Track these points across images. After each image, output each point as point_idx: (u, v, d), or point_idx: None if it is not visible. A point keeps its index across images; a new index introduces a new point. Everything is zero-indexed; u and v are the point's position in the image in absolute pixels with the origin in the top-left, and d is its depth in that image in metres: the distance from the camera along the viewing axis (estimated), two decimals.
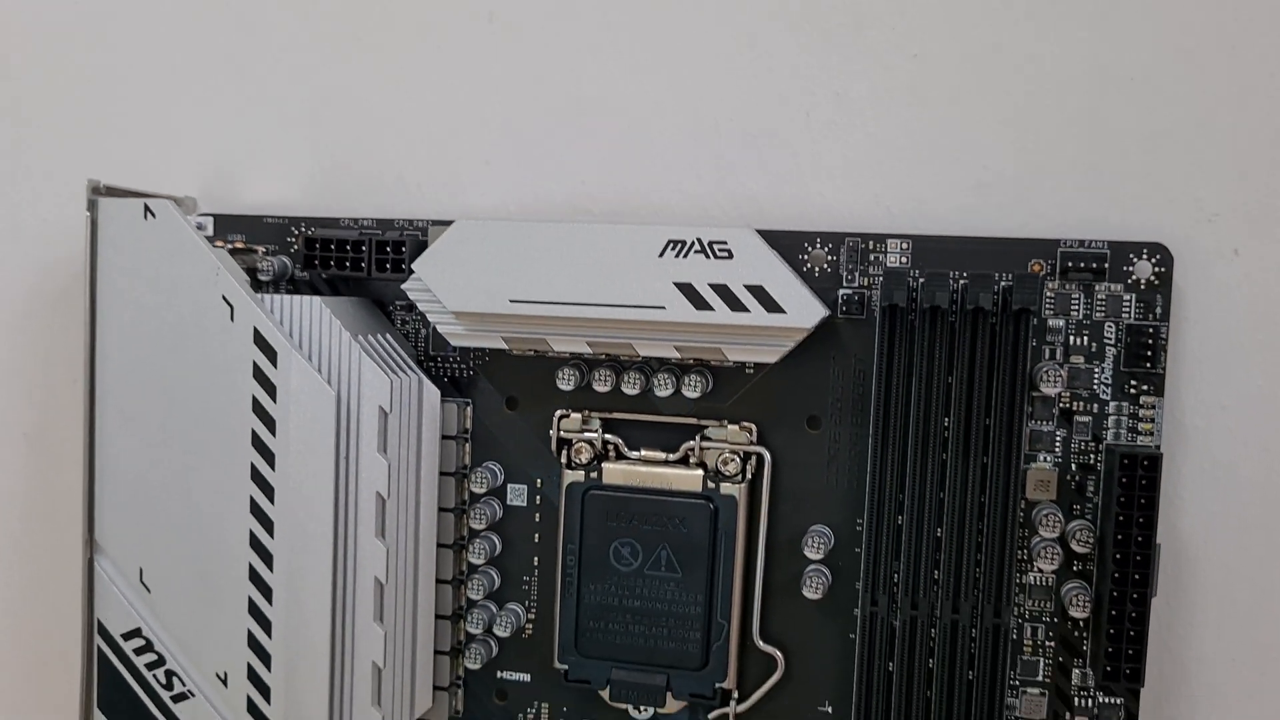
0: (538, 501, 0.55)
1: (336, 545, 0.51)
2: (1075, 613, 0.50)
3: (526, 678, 0.56)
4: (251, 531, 0.51)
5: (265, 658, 0.51)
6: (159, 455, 0.51)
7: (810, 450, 0.53)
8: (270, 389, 0.50)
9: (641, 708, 0.55)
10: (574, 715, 0.56)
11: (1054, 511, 0.50)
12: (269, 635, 0.51)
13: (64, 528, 0.62)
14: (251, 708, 0.52)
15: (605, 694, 0.55)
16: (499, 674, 0.56)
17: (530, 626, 0.56)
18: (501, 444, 0.55)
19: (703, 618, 0.53)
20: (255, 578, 0.51)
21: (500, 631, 0.55)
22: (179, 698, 0.52)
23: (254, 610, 0.51)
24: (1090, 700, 0.51)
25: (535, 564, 0.56)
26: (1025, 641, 0.52)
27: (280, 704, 0.51)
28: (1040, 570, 0.51)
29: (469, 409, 0.55)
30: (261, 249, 0.56)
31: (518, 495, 0.55)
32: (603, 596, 0.54)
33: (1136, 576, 0.49)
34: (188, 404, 0.51)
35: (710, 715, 0.54)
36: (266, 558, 0.51)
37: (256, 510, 0.51)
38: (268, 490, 0.51)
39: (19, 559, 0.64)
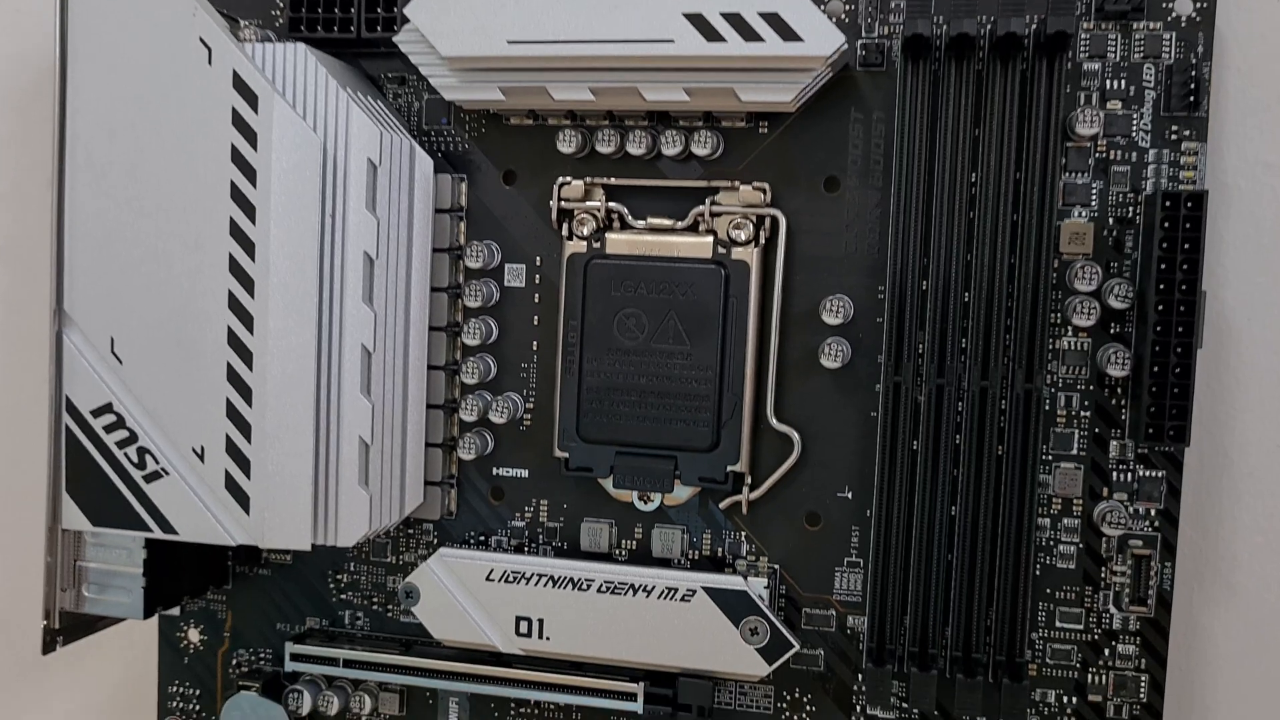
0: (537, 281, 0.52)
1: (321, 307, 0.47)
2: (1114, 371, 0.47)
3: (524, 473, 0.53)
4: (230, 291, 0.47)
5: (245, 428, 0.48)
6: (131, 215, 0.48)
7: (827, 214, 0.49)
8: (250, 136, 0.47)
9: (647, 499, 0.51)
10: (575, 512, 0.52)
11: (1090, 265, 0.47)
12: (249, 404, 0.48)
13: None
14: (230, 484, 0.48)
15: (609, 484, 0.51)
16: (495, 470, 0.53)
17: (528, 417, 0.52)
18: (498, 222, 0.52)
19: (713, 395, 0.49)
20: (234, 341, 0.47)
21: (496, 418, 0.51)
22: (152, 477, 0.49)
23: (233, 377, 0.48)
24: (1129, 474, 0.48)
25: (534, 349, 0.52)
26: (1059, 412, 0.48)
27: (261, 479, 0.48)
28: (1076, 329, 0.48)
29: (464, 185, 0.52)
30: (243, 22, 0.53)
31: (516, 275, 0.52)
32: (607, 375, 0.50)
33: (1180, 328, 0.45)
34: (162, 156, 0.47)
35: (721, 503, 0.51)
36: (246, 319, 0.47)
37: (235, 268, 0.47)
38: (248, 246, 0.47)
39: None
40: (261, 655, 0.56)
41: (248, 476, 0.48)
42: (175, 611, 0.57)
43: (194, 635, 0.57)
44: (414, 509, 0.52)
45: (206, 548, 0.54)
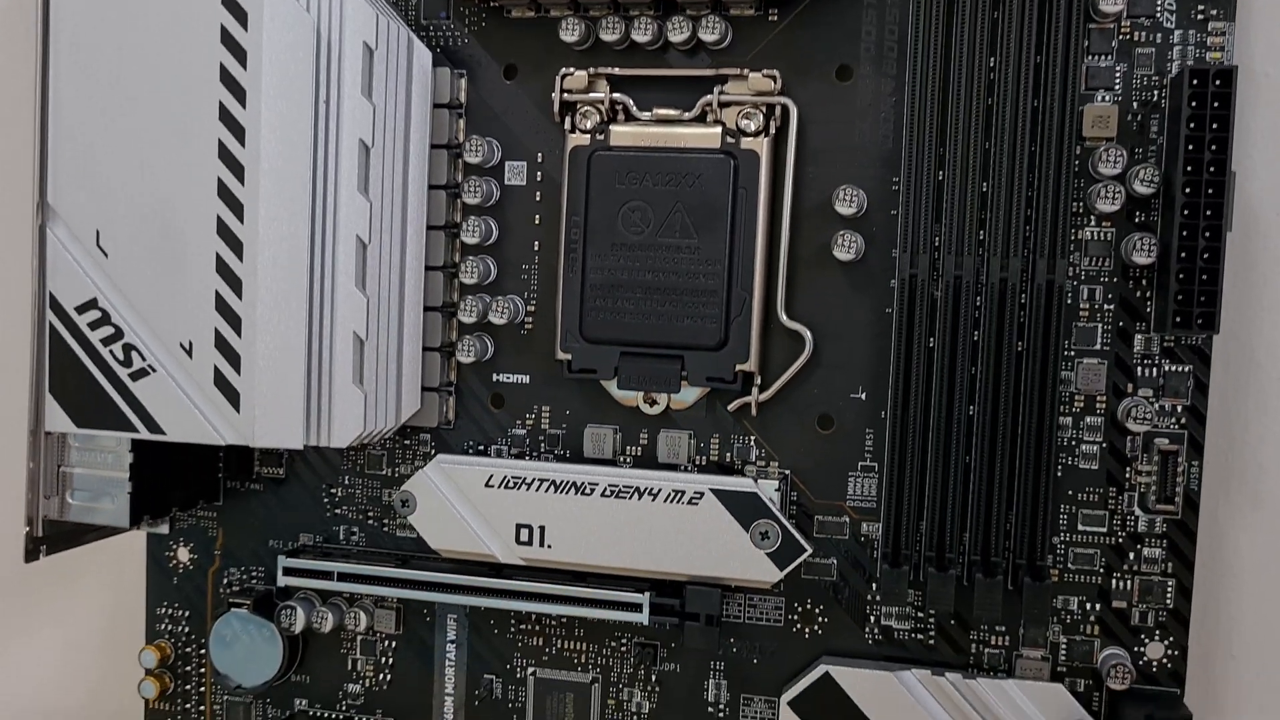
0: (538, 179, 0.50)
1: (315, 196, 0.46)
2: (1139, 259, 0.45)
3: (525, 379, 0.51)
4: (220, 179, 0.45)
5: (235, 322, 0.46)
6: (117, 100, 0.46)
7: (840, 104, 0.48)
8: (240, 15, 0.45)
9: (652, 402, 0.49)
10: (578, 418, 0.50)
11: (1115, 148, 0.45)
12: (239, 296, 0.46)
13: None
14: (219, 380, 0.46)
15: (613, 387, 0.49)
16: (495, 376, 0.51)
17: (530, 321, 0.50)
18: (499, 118, 0.50)
19: (722, 290, 0.48)
20: (224, 231, 0.46)
21: (496, 319, 0.49)
22: (138, 374, 0.47)
23: (222, 268, 0.46)
24: (1154, 369, 0.46)
25: (536, 249, 0.50)
26: (1081, 305, 0.46)
27: (251, 375, 0.46)
28: (1099, 218, 0.46)
29: (463, 81, 0.50)
30: None
31: (516, 173, 0.50)
32: (611, 271, 0.48)
33: (1209, 210, 0.44)
34: (149, 38, 0.45)
35: (730, 405, 0.49)
36: (236, 208, 0.45)
37: (225, 154, 0.45)
38: (238, 131, 0.45)
39: None
40: (254, 574, 0.54)
41: (238, 372, 0.46)
42: (164, 530, 0.55)
43: (183, 555, 0.55)
44: (411, 415, 0.50)
45: (196, 458, 0.53)
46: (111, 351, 0.47)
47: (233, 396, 0.46)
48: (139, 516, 0.49)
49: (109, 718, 0.65)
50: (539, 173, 0.50)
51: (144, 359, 0.47)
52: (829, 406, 0.48)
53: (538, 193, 0.50)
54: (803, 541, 0.47)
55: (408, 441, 0.52)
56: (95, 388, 0.47)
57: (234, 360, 0.46)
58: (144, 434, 0.47)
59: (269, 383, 0.46)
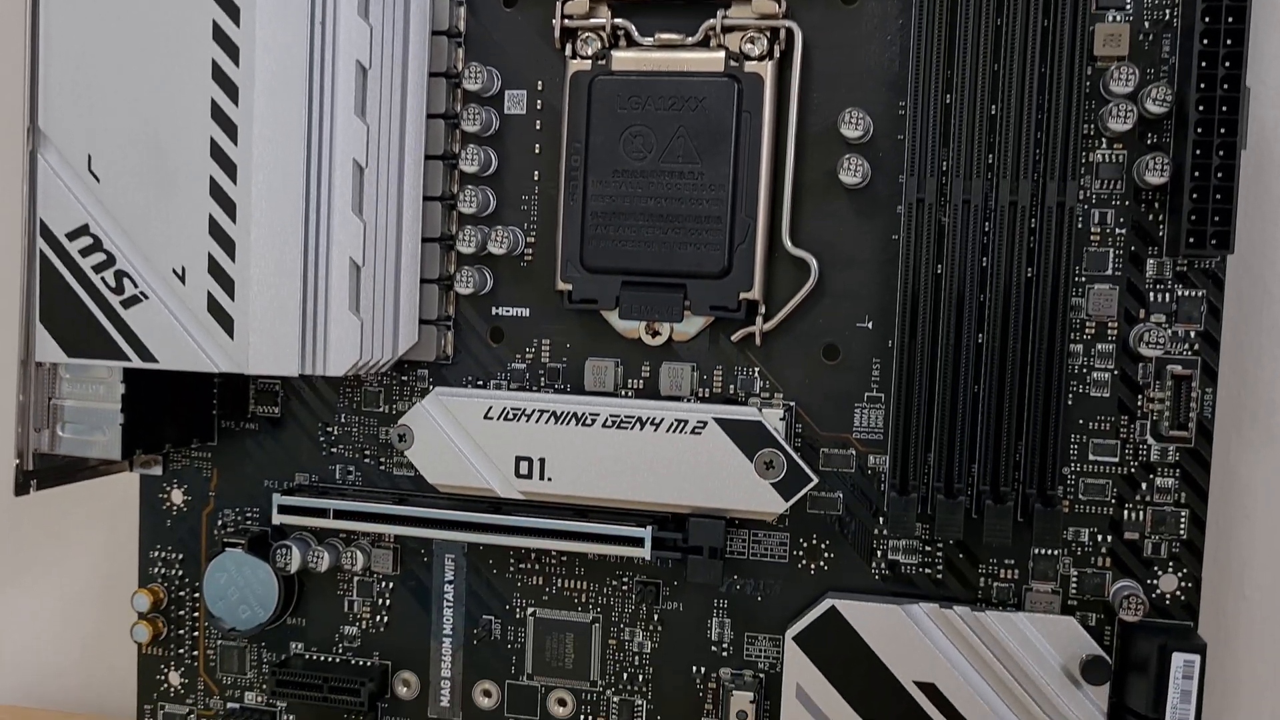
0: (538, 107, 0.49)
1: (310, 118, 0.45)
2: (1152, 179, 0.44)
3: (525, 312, 0.50)
4: (213, 100, 0.44)
5: (229, 246, 0.45)
6: (108, 21, 0.45)
7: (846, 27, 0.47)
8: None
9: (655, 333, 0.48)
10: (579, 351, 0.49)
11: (1127, 66, 0.44)
12: (232, 220, 0.45)
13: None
14: (213, 306, 0.45)
15: (614, 317, 0.48)
16: (494, 310, 0.50)
17: (530, 252, 0.50)
18: (499, 47, 0.49)
19: (725, 216, 0.47)
20: (217, 153, 0.45)
21: (496, 249, 0.49)
22: (130, 301, 0.46)
23: (215, 192, 0.45)
24: (1167, 295, 0.45)
25: (535, 179, 0.49)
26: (1092, 229, 0.45)
27: (245, 301, 0.45)
28: (1111, 139, 0.45)
29: (462, 9, 0.49)
30: None
31: (516, 102, 0.49)
32: (612, 199, 0.47)
33: (1223, 128, 0.43)
34: None
35: (734, 335, 0.48)
36: (230, 129, 0.44)
37: (218, 75, 0.44)
38: (231, 51, 0.44)
39: None
40: (248, 515, 0.53)
41: (231, 298, 0.45)
42: (157, 471, 0.54)
43: (177, 497, 0.54)
44: (408, 349, 0.49)
45: (190, 394, 0.52)
46: (103, 279, 0.46)
47: (226, 323, 0.45)
48: (131, 450, 0.48)
49: (103, 664, 0.64)
50: (539, 101, 0.49)
51: (136, 286, 0.46)
52: (835, 336, 0.47)
53: (538, 121, 0.49)
54: (808, 471, 0.46)
55: (405, 378, 0.51)
56: (87, 316, 0.46)
57: (228, 286, 0.45)
58: (136, 362, 0.46)
59: (263, 309, 0.45)
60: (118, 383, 0.48)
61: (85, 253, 0.46)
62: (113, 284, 0.46)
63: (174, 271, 0.45)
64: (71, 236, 0.46)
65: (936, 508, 0.45)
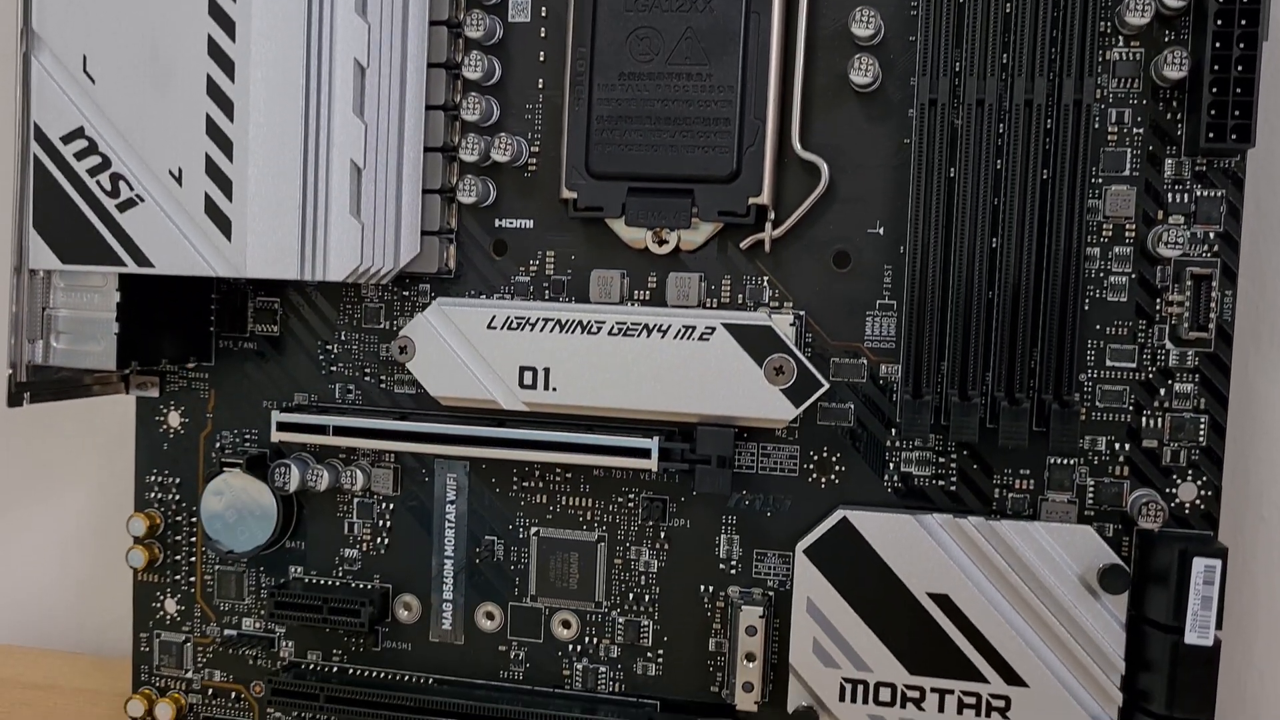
0: (543, 14, 0.48)
1: (310, 14, 0.44)
2: (1170, 73, 0.43)
3: (529, 223, 0.49)
4: None
5: (226, 146, 0.44)
6: None
7: None
8: None
9: (662, 241, 0.47)
10: (584, 263, 0.48)
11: None
12: (230, 119, 0.44)
13: None
14: (210, 208, 0.44)
15: (620, 226, 0.47)
16: (497, 222, 0.49)
17: (534, 162, 0.49)
18: None
19: (734, 119, 0.46)
20: (215, 51, 0.44)
21: (499, 156, 0.48)
22: (126, 205, 0.45)
23: (213, 90, 0.44)
24: (1186, 195, 0.44)
25: (540, 88, 0.48)
26: (1109, 129, 0.44)
27: (243, 201, 0.44)
28: (1128, 36, 0.44)
29: None
30: None
31: (520, 9, 0.48)
32: (618, 102, 0.46)
33: (1244, 19, 0.42)
34: None
35: (743, 243, 0.47)
36: (228, 25, 0.43)
37: None
38: None
39: None
40: (247, 437, 0.52)
41: (229, 199, 0.44)
42: (154, 393, 0.53)
43: (174, 419, 0.53)
44: (410, 260, 0.48)
45: (187, 308, 0.51)
46: (98, 182, 0.45)
47: (224, 224, 0.44)
48: (127, 361, 0.47)
49: (99, 603, 0.63)
50: (544, 9, 0.48)
51: (132, 189, 0.45)
52: (845, 243, 0.46)
53: (542, 29, 0.48)
54: (819, 376, 0.45)
55: (406, 293, 0.50)
56: (81, 221, 0.45)
57: (225, 186, 0.44)
58: (132, 268, 0.45)
59: (262, 210, 0.44)
60: (113, 291, 0.47)
61: (80, 156, 0.45)
62: (108, 187, 0.45)
63: (170, 173, 0.45)
64: (66, 140, 0.45)
65: (951, 410, 0.44)
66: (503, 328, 0.47)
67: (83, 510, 0.64)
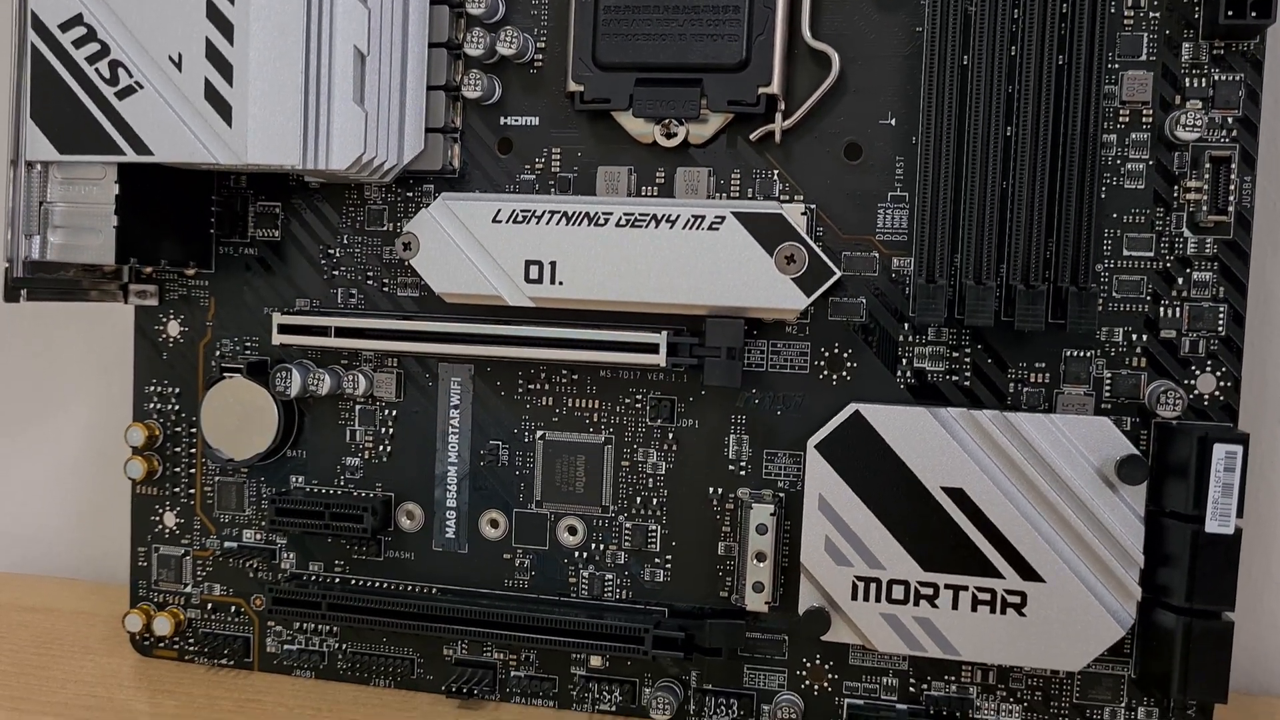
0: None
1: None
2: None
3: (534, 120, 0.48)
4: None
5: (227, 29, 0.43)
6: None
7: None
8: None
9: (670, 134, 0.46)
10: (590, 159, 0.48)
11: None
12: (231, 1, 0.43)
13: None
14: (210, 93, 0.43)
15: (627, 118, 0.47)
16: (502, 120, 0.48)
17: (540, 58, 0.48)
18: None
19: (744, 6, 0.45)
20: None
21: (504, 49, 0.47)
22: (125, 92, 0.44)
23: None
24: (1204, 79, 0.43)
25: None
26: (1125, 12, 0.44)
27: (244, 86, 0.43)
28: None
29: None
30: None
31: None
32: None
33: None
34: None
35: (752, 135, 0.46)
36: None
37: None
38: None
39: None
40: (248, 344, 0.51)
41: (229, 84, 0.43)
42: (153, 302, 0.52)
43: (174, 328, 0.52)
44: (414, 156, 0.48)
45: (186, 208, 0.50)
46: (97, 70, 0.44)
47: (224, 110, 0.43)
48: (125, 256, 0.46)
49: (97, 530, 0.63)
50: None
51: (131, 75, 0.44)
52: (857, 134, 0.46)
53: None
54: (831, 265, 0.44)
55: (410, 194, 0.49)
56: (80, 110, 0.45)
57: (225, 71, 0.43)
58: (131, 156, 0.44)
59: (263, 94, 0.43)
60: (112, 183, 0.46)
61: (78, 44, 0.44)
62: (107, 75, 0.44)
63: (170, 58, 0.44)
64: (64, 27, 0.45)
65: (966, 295, 0.43)
66: (508, 221, 0.46)
67: (81, 436, 0.63)
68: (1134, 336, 0.44)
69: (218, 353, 0.52)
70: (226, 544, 0.52)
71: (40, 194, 0.46)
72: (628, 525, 0.48)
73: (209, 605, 0.52)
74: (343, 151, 0.44)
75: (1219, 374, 0.44)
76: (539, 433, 0.49)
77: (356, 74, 0.44)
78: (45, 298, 0.48)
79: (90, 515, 0.63)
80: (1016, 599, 0.44)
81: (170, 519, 0.52)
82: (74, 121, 0.45)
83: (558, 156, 0.48)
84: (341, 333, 0.48)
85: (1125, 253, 0.44)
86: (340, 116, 0.44)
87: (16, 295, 0.46)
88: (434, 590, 0.50)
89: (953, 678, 0.46)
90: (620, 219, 0.45)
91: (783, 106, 0.46)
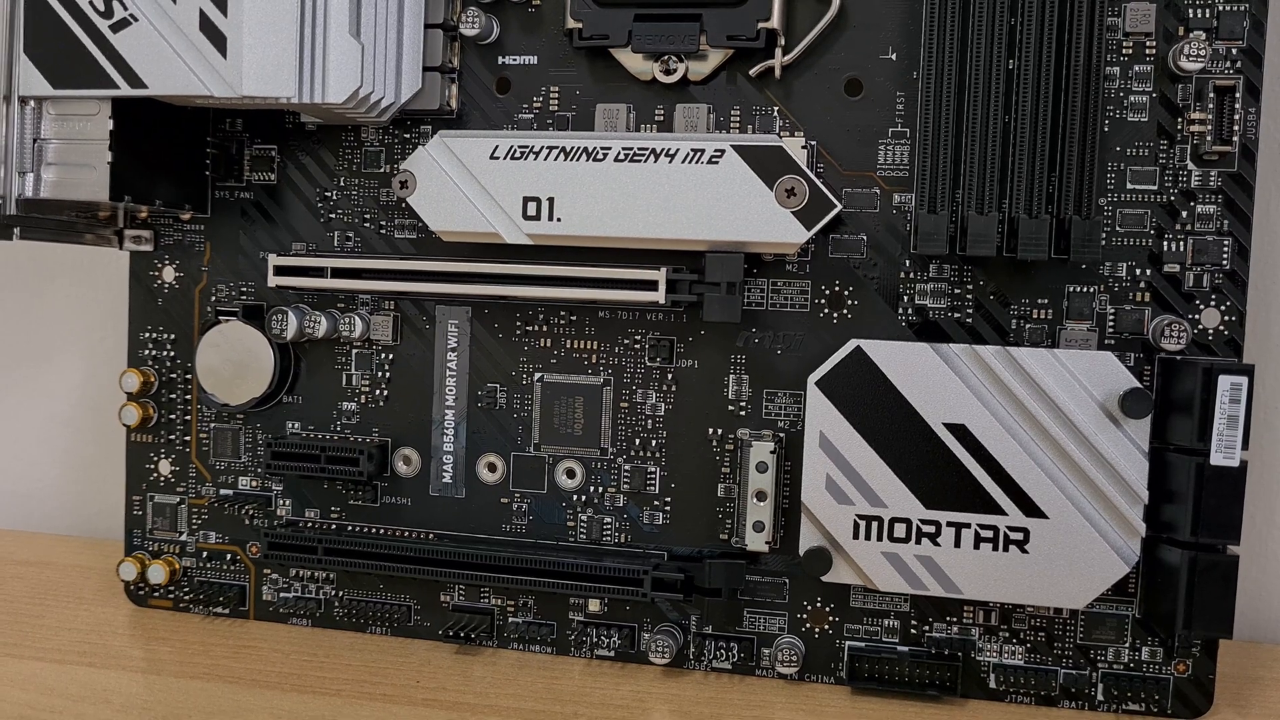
0: None
1: None
2: None
3: (533, 59, 0.48)
4: None
5: None
6: None
7: None
8: None
9: (669, 70, 0.46)
10: (589, 98, 0.47)
11: None
12: None
13: None
14: (205, 24, 0.43)
15: (626, 55, 0.46)
16: (500, 59, 0.48)
17: None
18: None
19: None
20: None
21: None
22: (119, 25, 0.44)
23: None
24: (1207, 10, 0.43)
25: None
26: None
27: (239, 16, 0.43)
28: None
29: None
30: None
31: None
32: None
33: None
34: None
35: (752, 70, 0.46)
36: None
37: None
38: None
39: None
40: (243, 289, 0.51)
41: (224, 14, 0.43)
42: (149, 248, 0.52)
43: (169, 274, 0.52)
44: (411, 96, 0.47)
45: (182, 148, 0.50)
46: (91, 3, 0.44)
47: (219, 40, 0.43)
48: (120, 193, 0.46)
49: (91, 486, 0.62)
50: None
51: (125, 8, 0.44)
52: (857, 70, 0.45)
53: None
54: (832, 197, 0.44)
55: (408, 135, 0.49)
56: (73, 44, 0.44)
57: (220, 2, 0.43)
58: (125, 90, 0.44)
59: (259, 25, 0.43)
60: (106, 119, 0.45)
61: None
62: (101, 7, 0.44)
63: None
64: None
65: (969, 224, 0.42)
66: (506, 157, 0.46)
67: (75, 391, 0.63)
68: (1137, 271, 0.44)
69: (213, 298, 0.51)
70: (222, 491, 0.51)
71: (34, 130, 0.46)
72: (626, 468, 0.48)
73: (204, 553, 0.52)
74: (339, 85, 0.44)
75: (1223, 308, 0.43)
76: (537, 375, 0.48)
77: (352, 5, 0.44)
78: (39, 237, 0.47)
79: (84, 470, 0.62)
80: (1019, 536, 0.43)
81: (165, 467, 0.52)
82: (68, 55, 0.44)
83: (556, 95, 0.48)
84: (338, 273, 0.48)
85: (1129, 186, 0.44)
86: (336, 49, 0.44)
87: (10, 234, 0.46)
88: (431, 535, 0.49)
89: (954, 619, 0.46)
90: (619, 154, 0.45)
91: (783, 42, 0.45)
